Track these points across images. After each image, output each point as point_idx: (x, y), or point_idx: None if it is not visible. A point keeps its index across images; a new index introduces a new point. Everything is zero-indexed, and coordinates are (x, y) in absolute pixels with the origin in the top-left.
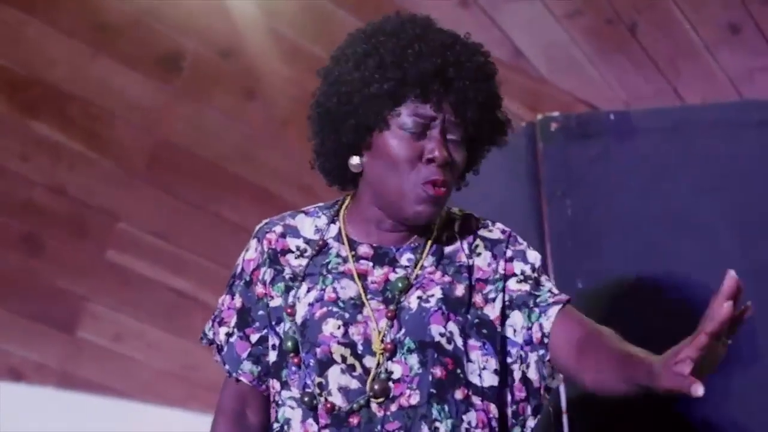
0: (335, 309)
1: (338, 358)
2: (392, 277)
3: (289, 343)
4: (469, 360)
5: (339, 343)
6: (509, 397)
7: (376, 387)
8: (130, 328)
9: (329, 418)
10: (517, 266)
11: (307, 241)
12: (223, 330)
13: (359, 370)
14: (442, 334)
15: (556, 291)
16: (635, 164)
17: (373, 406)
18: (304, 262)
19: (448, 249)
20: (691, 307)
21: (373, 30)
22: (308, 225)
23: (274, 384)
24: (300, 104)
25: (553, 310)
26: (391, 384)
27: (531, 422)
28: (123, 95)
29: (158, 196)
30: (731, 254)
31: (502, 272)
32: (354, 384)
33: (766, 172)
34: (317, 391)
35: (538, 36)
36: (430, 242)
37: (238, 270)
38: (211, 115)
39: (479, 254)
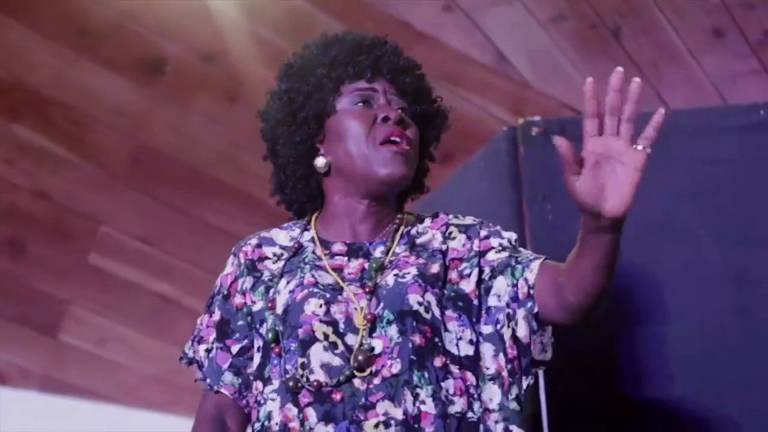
0: (316, 290)
1: (320, 336)
2: (367, 266)
3: (270, 335)
4: (446, 330)
5: (321, 321)
6: (503, 359)
7: (360, 358)
8: (113, 332)
9: (312, 396)
10: (494, 241)
11: (283, 248)
12: (202, 347)
13: (341, 347)
14: (420, 303)
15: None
16: None
17: (356, 381)
18: (281, 263)
19: (420, 239)
20: (670, 310)
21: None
22: (283, 236)
23: (258, 385)
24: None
25: (536, 264)
26: (371, 354)
27: (525, 381)
28: (105, 99)
29: (141, 201)
30: (712, 259)
31: (477, 249)
32: (336, 361)
33: (748, 177)
34: (299, 372)
35: (521, 41)
36: (400, 233)
37: (216, 288)
38: (194, 120)
39: (454, 238)
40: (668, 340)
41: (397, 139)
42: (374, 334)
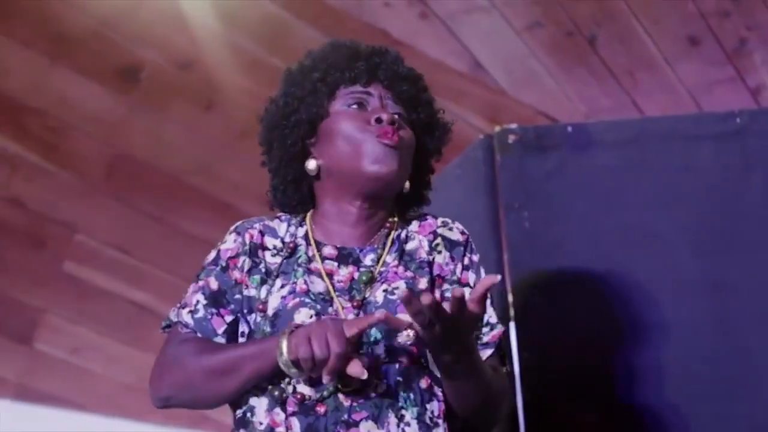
0: (307, 300)
1: None
2: (357, 276)
3: (258, 337)
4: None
5: None
6: None
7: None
8: (88, 341)
9: (297, 406)
10: (471, 278)
11: (283, 242)
12: (185, 311)
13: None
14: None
15: (494, 320)
16: (593, 176)
17: (341, 396)
18: (278, 260)
19: (408, 246)
20: (646, 317)
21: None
22: (283, 229)
23: None
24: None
25: (484, 354)
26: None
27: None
28: (81, 107)
29: (116, 208)
30: (687, 266)
31: (458, 276)
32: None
33: (723, 184)
34: (286, 380)
35: (497, 48)
36: (390, 239)
37: (212, 257)
38: (170, 127)
39: (440, 252)
40: (644, 346)
41: (388, 137)
42: (361, 351)
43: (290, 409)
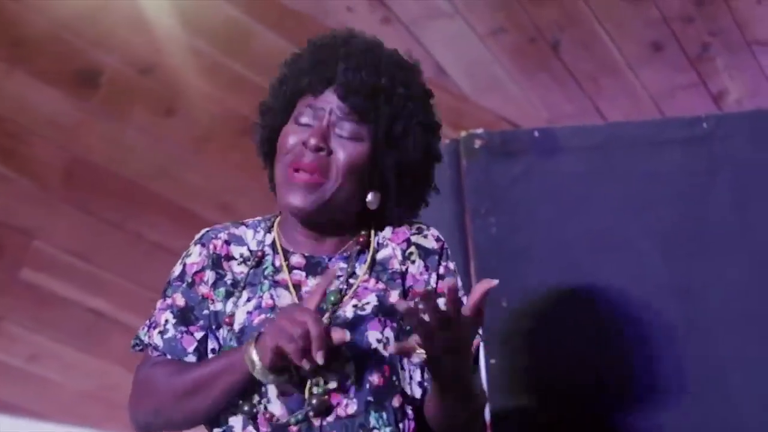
0: (273, 316)
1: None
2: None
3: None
4: (402, 368)
5: None
6: None
7: (314, 402)
8: (46, 348)
9: (269, 426)
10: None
11: (250, 251)
12: (156, 331)
13: (296, 378)
14: (379, 340)
15: None
16: (559, 182)
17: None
18: (245, 269)
19: (380, 255)
20: (615, 323)
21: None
22: (250, 236)
23: None
24: (220, 121)
25: None
26: (328, 397)
27: None
28: (39, 111)
29: (75, 215)
30: (655, 271)
31: (434, 286)
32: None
33: (688, 189)
34: (257, 398)
35: (460, 54)
36: (359, 249)
37: (177, 272)
38: (130, 133)
39: (413, 261)
40: (614, 351)
41: (301, 169)
42: (330, 368)
43: (263, 429)
